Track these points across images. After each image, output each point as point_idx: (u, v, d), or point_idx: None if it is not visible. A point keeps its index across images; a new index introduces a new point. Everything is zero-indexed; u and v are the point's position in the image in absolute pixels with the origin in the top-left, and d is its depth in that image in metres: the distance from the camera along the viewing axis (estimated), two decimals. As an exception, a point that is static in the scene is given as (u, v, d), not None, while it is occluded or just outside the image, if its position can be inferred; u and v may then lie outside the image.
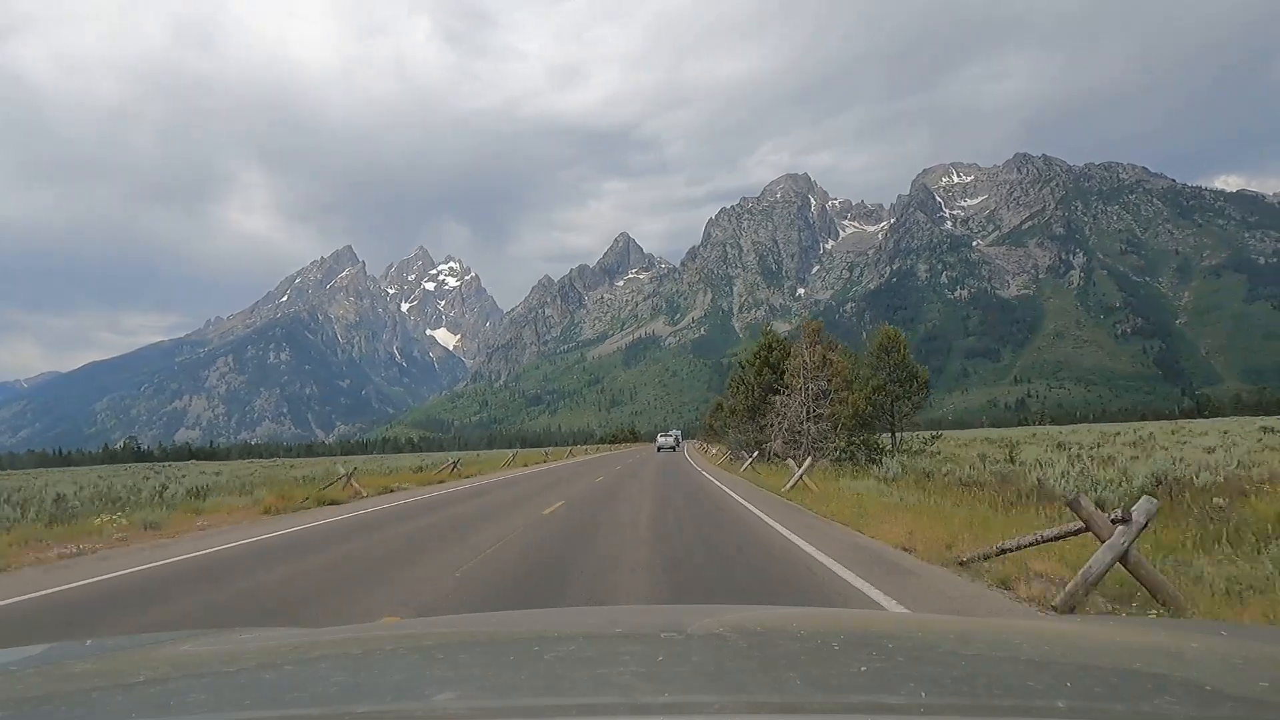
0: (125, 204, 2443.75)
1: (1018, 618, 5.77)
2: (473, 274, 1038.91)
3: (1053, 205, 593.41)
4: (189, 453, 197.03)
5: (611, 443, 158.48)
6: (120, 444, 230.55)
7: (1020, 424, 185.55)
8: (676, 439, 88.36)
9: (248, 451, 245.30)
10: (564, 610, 4.62)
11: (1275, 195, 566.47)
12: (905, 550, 9.07)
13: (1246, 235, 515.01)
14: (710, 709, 1.12)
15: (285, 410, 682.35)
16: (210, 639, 2.24)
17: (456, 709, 1.19)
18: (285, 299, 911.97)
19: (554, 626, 2.22)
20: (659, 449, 75.25)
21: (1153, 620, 4.35)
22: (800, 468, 19.13)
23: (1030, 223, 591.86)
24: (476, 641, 2.00)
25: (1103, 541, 6.14)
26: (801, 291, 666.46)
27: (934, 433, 41.42)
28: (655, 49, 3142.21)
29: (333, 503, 18.94)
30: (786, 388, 31.71)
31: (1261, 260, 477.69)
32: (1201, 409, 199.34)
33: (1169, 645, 1.71)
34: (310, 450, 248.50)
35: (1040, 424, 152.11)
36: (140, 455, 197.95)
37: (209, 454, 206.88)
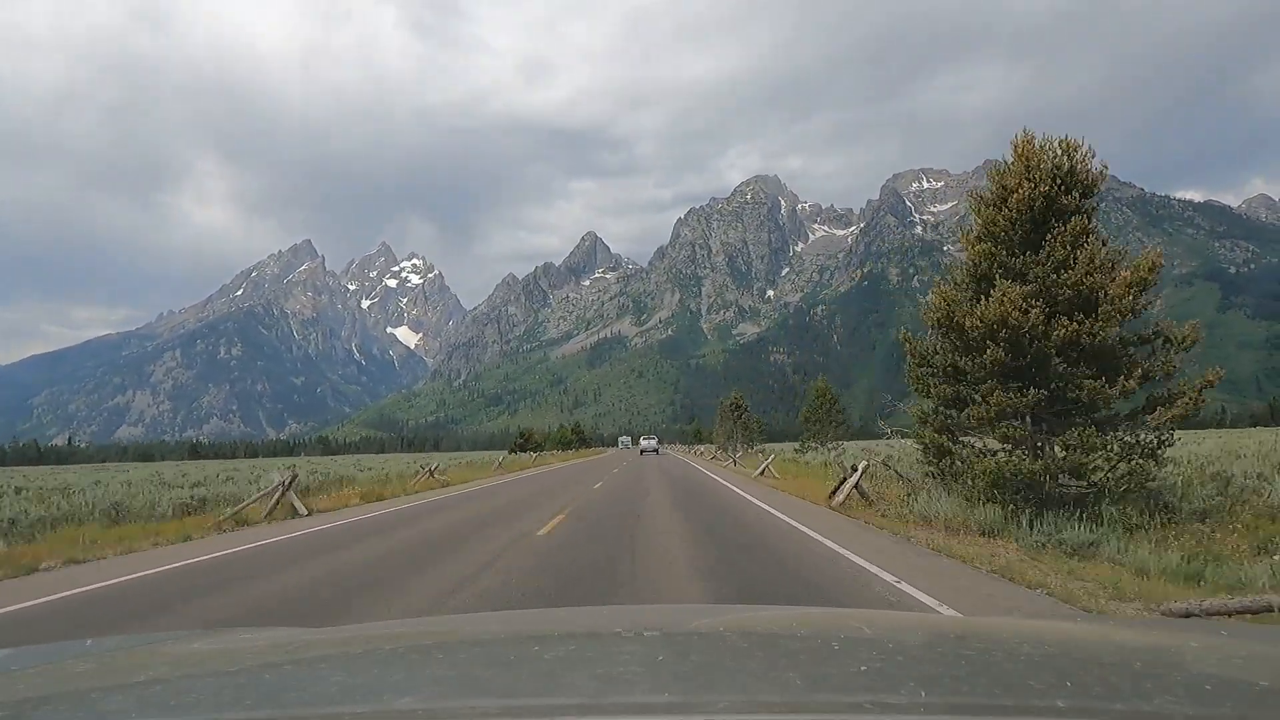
0: (72, 191, 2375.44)
1: (1018, 618, 5.70)
2: (436, 271, 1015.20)
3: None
4: (37, 453, 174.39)
5: (531, 448, 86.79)
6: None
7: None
8: (657, 443, 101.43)
9: (142, 453, 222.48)
10: (564, 610, 4.69)
11: (1243, 206, 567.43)
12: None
13: (1216, 245, 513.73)
14: (710, 708, 1.12)
15: (235, 407, 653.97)
16: (210, 639, 2.23)
17: (457, 708, 1.19)
18: (240, 293, 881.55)
19: (554, 626, 2.22)
20: (642, 451, 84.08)
21: (1153, 620, 4.35)
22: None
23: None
24: (477, 641, 2.00)
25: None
26: (771, 293, 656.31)
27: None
28: (626, 47, 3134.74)
29: None
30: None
31: (1233, 270, 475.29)
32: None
33: (1169, 645, 1.71)
34: (213, 451, 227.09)
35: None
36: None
37: (65, 456, 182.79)
